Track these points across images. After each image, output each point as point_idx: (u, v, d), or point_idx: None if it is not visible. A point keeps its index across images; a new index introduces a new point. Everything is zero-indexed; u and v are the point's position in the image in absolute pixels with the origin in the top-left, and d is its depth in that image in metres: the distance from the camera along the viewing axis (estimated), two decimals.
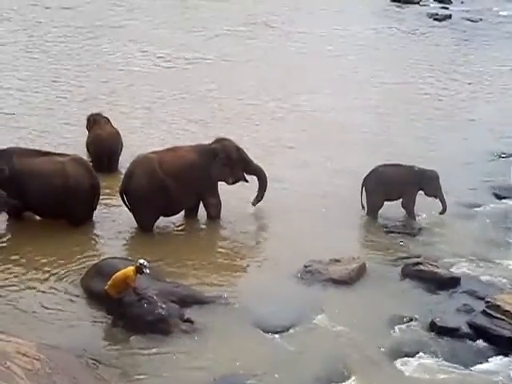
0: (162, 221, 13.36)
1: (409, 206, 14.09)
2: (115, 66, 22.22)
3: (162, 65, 22.59)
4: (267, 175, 14.00)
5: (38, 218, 13.41)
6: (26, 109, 18.51)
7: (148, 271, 10.42)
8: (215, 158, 13.52)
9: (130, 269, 10.36)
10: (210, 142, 13.89)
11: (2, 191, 12.44)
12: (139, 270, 10.32)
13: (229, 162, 13.60)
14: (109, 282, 10.37)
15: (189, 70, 22.21)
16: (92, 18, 26.63)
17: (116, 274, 10.39)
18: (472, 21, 30.42)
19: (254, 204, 13.97)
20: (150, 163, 13.10)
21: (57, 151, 13.82)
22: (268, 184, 14.03)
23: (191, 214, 13.73)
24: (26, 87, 19.97)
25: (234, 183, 13.89)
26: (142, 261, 10.40)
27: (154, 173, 13.00)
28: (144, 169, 13.03)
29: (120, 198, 13.17)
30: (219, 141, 13.88)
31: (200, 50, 23.98)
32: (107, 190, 14.04)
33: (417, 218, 14.04)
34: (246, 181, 14.01)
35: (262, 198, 13.99)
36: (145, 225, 13.15)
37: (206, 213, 13.68)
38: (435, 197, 14.15)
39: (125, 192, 13.07)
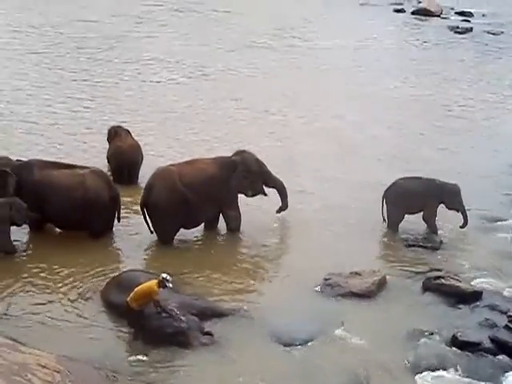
0: (181, 233, 13.37)
1: (430, 220, 14.00)
2: (137, 77, 22.38)
3: (182, 78, 22.70)
4: (286, 187, 13.98)
5: (58, 230, 13.47)
6: (47, 119, 18.67)
7: (170, 285, 10.42)
8: (235, 170, 13.53)
9: (153, 282, 10.37)
10: (230, 154, 13.91)
11: (22, 203, 12.52)
12: (162, 283, 10.33)
13: (248, 174, 13.60)
14: (131, 295, 10.38)
15: (208, 83, 22.29)
16: (116, 30, 26.86)
17: (138, 287, 10.41)
18: (493, 34, 30.35)
19: (278, 212, 14.00)
20: (169, 176, 13.12)
21: (77, 163, 13.89)
22: (288, 196, 14.01)
23: (211, 226, 13.72)
24: (48, 97, 20.15)
25: (253, 196, 13.89)
26: (164, 275, 10.41)
27: (173, 185, 13.02)
28: (164, 181, 13.05)
29: (140, 211, 13.20)
30: (239, 153, 13.89)
31: (219, 62, 24.08)
32: (128, 203, 14.08)
33: (438, 231, 13.94)
34: (265, 194, 14.00)
35: (286, 207, 14.01)
36: (165, 237, 13.16)
37: (225, 225, 13.67)
38: (457, 210, 14.06)
39: (145, 205, 13.10)
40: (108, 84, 21.72)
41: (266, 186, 13.95)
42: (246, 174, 13.56)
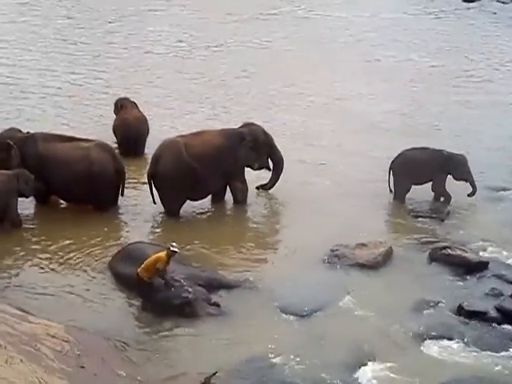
0: (188, 205, 13.39)
1: (439, 190, 13.99)
2: (145, 48, 22.33)
3: (190, 50, 22.61)
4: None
5: (63, 202, 13.51)
6: (53, 90, 18.71)
7: (177, 254, 10.42)
8: (242, 141, 13.51)
9: (163, 253, 10.39)
10: (238, 126, 13.89)
11: (30, 175, 12.55)
12: (170, 253, 10.33)
13: (255, 146, 13.57)
14: (142, 266, 10.42)
15: (214, 57, 22.18)
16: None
17: (149, 259, 10.44)
18: (502, 2, 30.01)
19: (259, 188, 13.98)
20: (176, 147, 13.11)
21: (83, 135, 13.91)
22: (292, 166, 14.03)
23: (217, 198, 13.73)
24: (55, 66, 20.18)
25: (258, 169, 13.86)
26: (173, 245, 10.41)
27: (180, 156, 13.01)
28: (170, 152, 13.04)
29: (147, 182, 13.20)
30: (247, 125, 13.87)
31: (230, 36, 23.94)
32: (133, 175, 14.11)
33: (450, 199, 13.91)
34: (269, 168, 13.98)
35: (271, 186, 13.98)
36: (171, 209, 13.18)
37: (232, 197, 13.68)
38: (465, 180, 14.03)
39: (152, 176, 13.11)
40: (117, 56, 21.66)
41: (271, 159, 13.91)
42: (252, 145, 13.53)
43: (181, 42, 23.27)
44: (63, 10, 26.02)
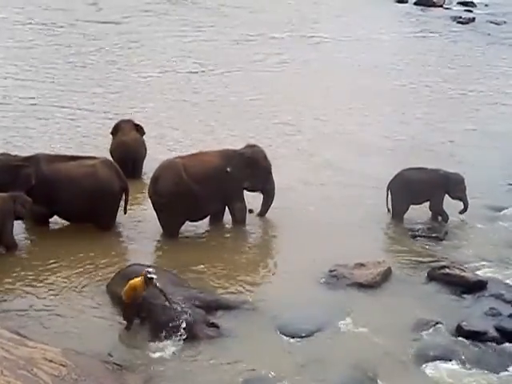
0: (187, 226, 13.36)
1: (438, 209, 14.03)
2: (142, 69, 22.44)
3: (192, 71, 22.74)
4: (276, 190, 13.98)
5: (63, 222, 13.48)
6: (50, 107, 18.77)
7: (155, 280, 10.27)
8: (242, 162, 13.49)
9: (138, 280, 10.32)
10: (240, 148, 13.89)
11: (28, 198, 12.51)
12: (146, 279, 10.25)
13: (253, 165, 13.54)
14: (123, 290, 10.42)
15: (218, 77, 22.28)
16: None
17: (127, 284, 10.41)
18: (496, 23, 30.28)
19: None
20: (175, 168, 13.11)
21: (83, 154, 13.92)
22: (289, 186, 14.21)
23: (216, 218, 13.72)
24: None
25: (250, 190, 13.79)
26: (149, 270, 10.32)
27: (179, 178, 13.01)
28: (169, 174, 13.04)
29: (151, 203, 13.18)
30: (249, 146, 13.89)
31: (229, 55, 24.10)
32: (132, 196, 14.09)
33: (448, 219, 13.97)
34: (263, 192, 13.96)
35: (263, 214, 14.00)
36: (170, 230, 13.16)
37: (231, 217, 13.65)
38: (460, 199, 14.08)
39: (150, 197, 13.11)
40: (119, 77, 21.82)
41: (263, 187, 13.85)
42: (250, 163, 13.49)
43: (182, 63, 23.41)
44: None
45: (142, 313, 10.46)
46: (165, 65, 23.18)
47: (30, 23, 26.70)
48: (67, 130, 17.85)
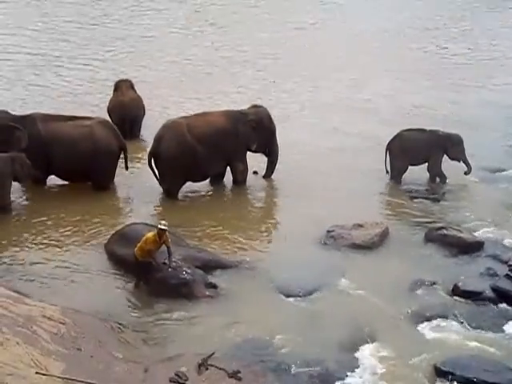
0: (187, 186, 13.36)
1: (435, 170, 14.02)
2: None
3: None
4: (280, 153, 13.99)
5: (61, 182, 13.48)
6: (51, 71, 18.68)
7: (167, 232, 10.30)
8: (246, 121, 13.44)
9: (151, 233, 10.34)
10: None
11: (27, 161, 12.44)
12: (159, 233, 10.27)
13: (258, 127, 13.49)
14: (137, 246, 10.40)
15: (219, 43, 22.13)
16: None
17: (144, 237, 10.39)
18: None
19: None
20: (179, 128, 13.05)
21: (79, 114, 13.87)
22: (289, 148, 14.06)
23: (217, 179, 13.69)
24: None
25: (255, 151, 13.78)
26: (162, 223, 10.32)
27: (182, 137, 12.95)
28: (173, 133, 12.98)
29: (148, 163, 13.14)
30: (254, 107, 13.82)
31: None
32: (130, 156, 14.04)
33: (446, 180, 13.98)
34: (266, 154, 13.94)
35: (269, 177, 14.00)
36: (171, 189, 13.14)
37: (232, 177, 13.63)
38: (459, 160, 14.06)
39: (153, 156, 13.05)
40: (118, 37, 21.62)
41: (267, 146, 13.83)
42: (255, 125, 13.44)
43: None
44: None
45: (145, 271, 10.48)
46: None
47: None
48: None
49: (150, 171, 13.15)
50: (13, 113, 13.43)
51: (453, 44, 22.43)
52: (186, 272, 10.48)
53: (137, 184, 13.61)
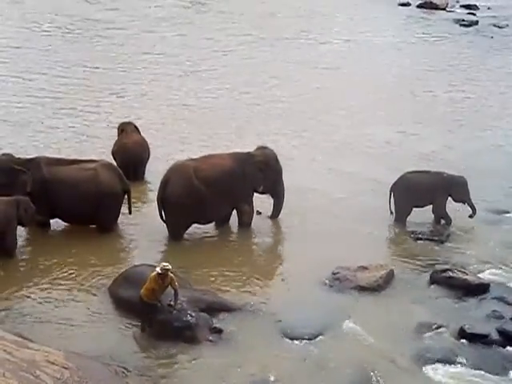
0: (192, 227, 13.32)
1: (441, 212, 14.01)
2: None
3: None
4: (285, 193, 13.97)
5: (64, 224, 13.47)
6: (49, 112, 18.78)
7: (170, 272, 10.26)
8: (252, 163, 13.48)
9: (154, 273, 10.29)
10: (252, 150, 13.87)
11: (31, 205, 12.44)
12: (161, 272, 10.19)
13: (265, 168, 13.53)
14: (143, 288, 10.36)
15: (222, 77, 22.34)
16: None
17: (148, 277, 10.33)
18: (499, 27, 30.24)
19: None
20: (185, 170, 13.08)
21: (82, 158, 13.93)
22: (294, 189, 14.08)
23: (223, 221, 13.67)
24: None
25: (262, 193, 13.77)
26: (164, 264, 10.28)
27: (189, 180, 12.98)
28: (179, 176, 13.01)
29: (157, 206, 13.11)
30: (260, 148, 13.88)
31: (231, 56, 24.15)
32: (134, 199, 14.08)
33: (445, 223, 13.95)
34: (273, 196, 13.96)
35: (275, 217, 13.99)
36: (176, 232, 13.12)
37: (237, 219, 13.59)
38: (463, 202, 14.08)
39: (160, 199, 13.07)
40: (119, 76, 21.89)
41: (274, 189, 13.83)
42: (262, 167, 13.49)
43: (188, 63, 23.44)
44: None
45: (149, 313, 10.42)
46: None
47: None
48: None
49: (156, 213, 13.15)
50: (17, 156, 13.49)
51: (459, 88, 22.55)
52: (189, 315, 10.42)
53: (141, 226, 13.59)
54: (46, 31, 26.08)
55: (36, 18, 27.35)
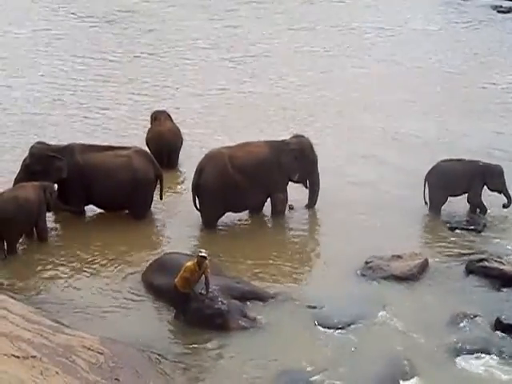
0: (226, 215, 13.33)
1: (476, 201, 13.85)
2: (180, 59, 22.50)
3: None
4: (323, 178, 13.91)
5: (99, 210, 13.58)
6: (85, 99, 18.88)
7: (207, 261, 10.29)
8: (288, 151, 13.43)
9: (190, 262, 10.33)
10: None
11: (54, 187, 12.58)
12: (199, 261, 10.24)
13: (300, 156, 13.48)
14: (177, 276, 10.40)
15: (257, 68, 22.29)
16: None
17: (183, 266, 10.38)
18: None
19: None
20: (220, 159, 13.08)
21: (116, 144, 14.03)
22: (328, 178, 13.97)
23: (256, 209, 13.65)
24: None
25: (297, 181, 13.73)
26: (202, 251, 10.35)
27: (224, 168, 12.99)
28: (214, 164, 13.02)
29: (192, 193, 13.15)
30: (296, 136, 13.82)
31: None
32: (167, 185, 14.10)
33: (487, 211, 13.78)
34: (306, 186, 13.91)
35: (312, 207, 13.92)
36: (209, 220, 13.13)
37: (271, 207, 13.55)
38: (499, 192, 13.89)
39: (195, 187, 13.10)
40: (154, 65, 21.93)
41: (309, 177, 13.77)
42: (297, 155, 13.43)
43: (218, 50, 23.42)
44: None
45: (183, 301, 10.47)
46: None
47: None
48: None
49: (189, 201, 13.17)
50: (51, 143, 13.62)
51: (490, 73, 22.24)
52: (221, 302, 10.44)
53: (174, 213, 13.66)
54: (88, 22, 26.25)
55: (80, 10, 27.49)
